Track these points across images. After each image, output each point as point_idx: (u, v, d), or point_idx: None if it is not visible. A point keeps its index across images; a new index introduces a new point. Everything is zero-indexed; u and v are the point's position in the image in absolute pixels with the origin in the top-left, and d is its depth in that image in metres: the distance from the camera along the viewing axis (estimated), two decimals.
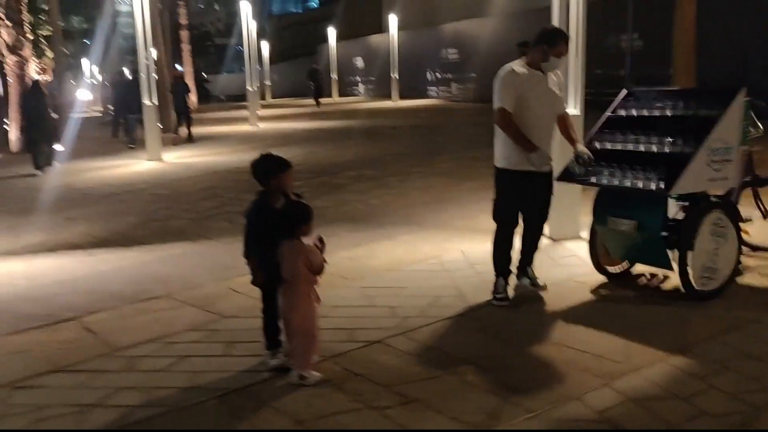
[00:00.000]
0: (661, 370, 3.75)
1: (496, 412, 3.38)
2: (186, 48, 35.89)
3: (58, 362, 4.16)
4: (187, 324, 4.69)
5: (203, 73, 50.43)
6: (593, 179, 4.78)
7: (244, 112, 23.43)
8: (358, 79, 39.66)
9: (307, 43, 50.23)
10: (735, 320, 4.33)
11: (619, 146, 4.82)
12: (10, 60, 17.83)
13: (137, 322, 4.79)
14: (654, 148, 4.58)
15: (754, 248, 5.57)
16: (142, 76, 14.07)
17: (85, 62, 44.03)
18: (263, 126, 21.32)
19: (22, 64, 17.89)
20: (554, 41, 4.62)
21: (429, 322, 4.50)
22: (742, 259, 4.98)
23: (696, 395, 3.48)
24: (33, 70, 18.64)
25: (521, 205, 4.86)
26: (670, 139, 4.51)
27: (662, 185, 4.34)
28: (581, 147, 4.81)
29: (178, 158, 14.35)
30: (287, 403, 3.54)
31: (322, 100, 30.01)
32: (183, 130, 18.18)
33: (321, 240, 3.80)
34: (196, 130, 18.23)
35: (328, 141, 16.11)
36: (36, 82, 14.93)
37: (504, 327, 4.44)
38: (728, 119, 4.39)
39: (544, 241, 5.86)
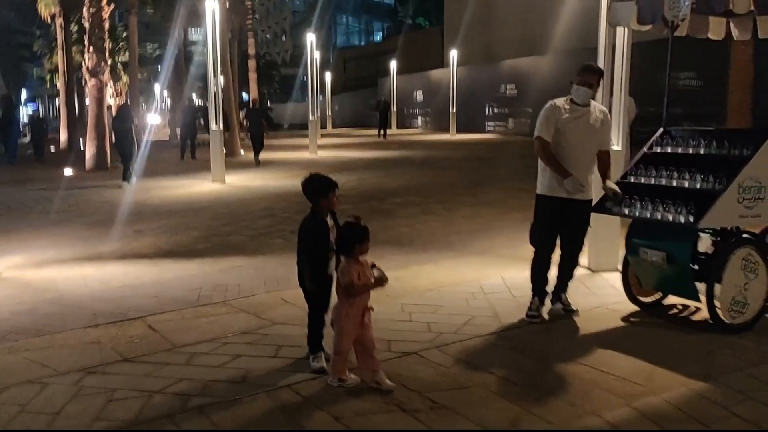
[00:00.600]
0: (682, 394, 3.94)
1: (517, 421, 3.64)
2: (253, 77, 37.30)
3: (126, 354, 4.62)
4: (242, 328, 5.10)
5: (267, 102, 52.04)
6: (626, 211, 5.03)
7: (305, 140, 24.23)
8: (417, 111, 40.35)
9: (369, 75, 51.46)
10: (764, 354, 4.48)
11: (653, 181, 5.06)
12: (90, 83, 19.07)
13: (196, 323, 5.23)
14: (686, 184, 4.82)
15: None
16: (210, 102, 14.89)
17: (156, 87, 46.14)
18: (322, 154, 22.06)
19: (100, 88, 19.10)
20: (578, 72, 4.98)
21: (462, 339, 4.79)
22: None
23: (715, 421, 3.66)
24: (109, 94, 19.88)
25: (556, 230, 5.15)
26: (702, 176, 4.74)
27: (691, 218, 4.57)
28: (609, 184, 5.08)
29: (239, 181, 15.04)
30: (328, 401, 3.88)
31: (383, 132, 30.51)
32: (249, 154, 19.02)
33: (373, 265, 4.09)
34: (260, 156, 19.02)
35: (381, 169, 16.60)
36: (125, 106, 16.17)
37: (534, 346, 4.69)
38: (760, 159, 4.59)
39: (582, 272, 6.13)
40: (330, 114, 45.63)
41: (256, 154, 18.74)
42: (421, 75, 39.96)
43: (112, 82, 26.59)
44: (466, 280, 6.33)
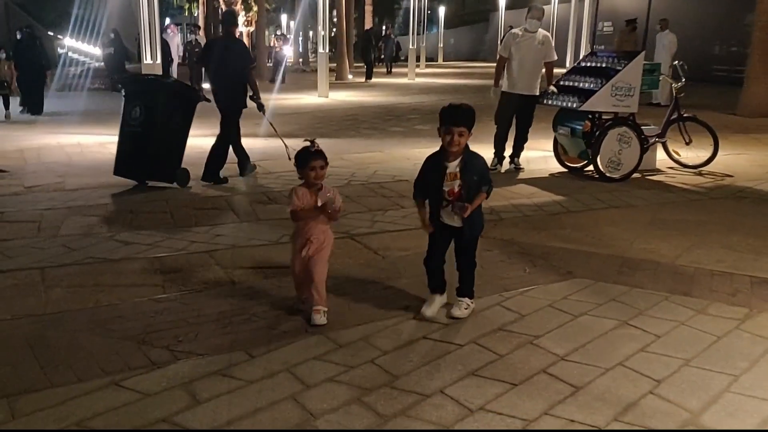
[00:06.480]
0: (543, 199, 6.79)
1: None
2: (368, 9, 40.16)
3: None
4: None
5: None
6: (550, 102, 7.78)
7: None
8: None
9: (485, 10, 52.91)
10: (614, 189, 7.20)
11: (572, 84, 7.76)
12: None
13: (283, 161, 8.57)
14: (586, 85, 7.50)
15: (684, 165, 8.22)
16: (318, 31, 18.12)
17: (283, 17, 50.12)
18: (418, 80, 24.96)
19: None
20: (529, 10, 7.74)
21: None
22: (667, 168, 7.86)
23: (544, 206, 6.49)
24: (240, 22, 23.55)
25: (511, 114, 7.98)
26: (597, 80, 7.41)
27: (579, 105, 7.29)
28: (551, 87, 7.82)
29: (340, 97, 18.34)
30: None
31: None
32: (357, 78, 22.29)
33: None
34: (361, 80, 22.22)
35: (463, 93, 19.35)
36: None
37: None
38: (629, 69, 7.21)
39: (550, 154, 8.92)
40: (441, 46, 47.79)
41: (390, 67, 29.63)
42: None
43: (244, 11, 30.43)
44: None
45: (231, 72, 7.50)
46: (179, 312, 3.99)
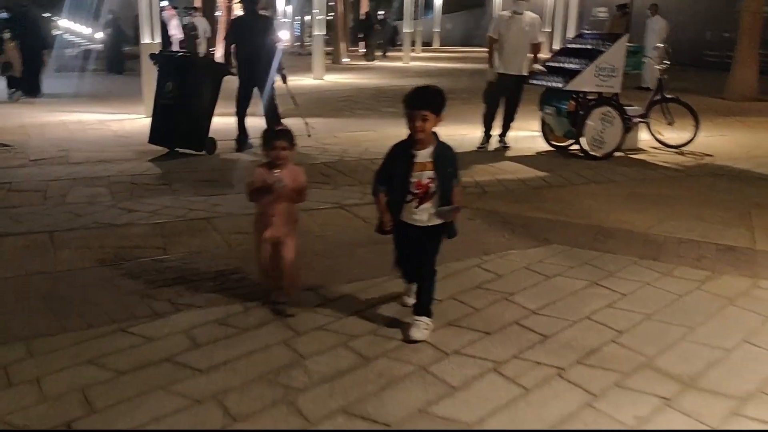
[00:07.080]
0: (528, 175, 7.07)
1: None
2: None
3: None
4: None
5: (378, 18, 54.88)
6: (536, 81, 8.03)
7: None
8: None
9: None
10: (597, 166, 7.48)
11: (560, 64, 8.01)
12: None
13: None
14: (572, 66, 7.75)
15: (666, 145, 8.50)
16: (314, 14, 18.28)
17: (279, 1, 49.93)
18: (413, 64, 25.10)
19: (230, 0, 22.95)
20: None
21: None
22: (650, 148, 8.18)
23: (527, 180, 6.72)
24: (236, 1, 23.66)
25: (500, 93, 8.22)
26: (582, 61, 7.66)
27: (564, 84, 7.54)
28: (536, 66, 8.07)
29: (336, 79, 18.51)
30: None
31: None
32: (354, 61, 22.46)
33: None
34: (357, 63, 22.39)
35: (453, 77, 19.54)
36: None
37: (468, 157, 7.90)
38: (612, 51, 7.47)
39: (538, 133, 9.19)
40: (437, 31, 47.77)
41: (385, 51, 29.05)
42: None
43: None
44: (457, 134, 9.51)
45: (259, 47, 8.00)
46: (179, 271, 4.27)
